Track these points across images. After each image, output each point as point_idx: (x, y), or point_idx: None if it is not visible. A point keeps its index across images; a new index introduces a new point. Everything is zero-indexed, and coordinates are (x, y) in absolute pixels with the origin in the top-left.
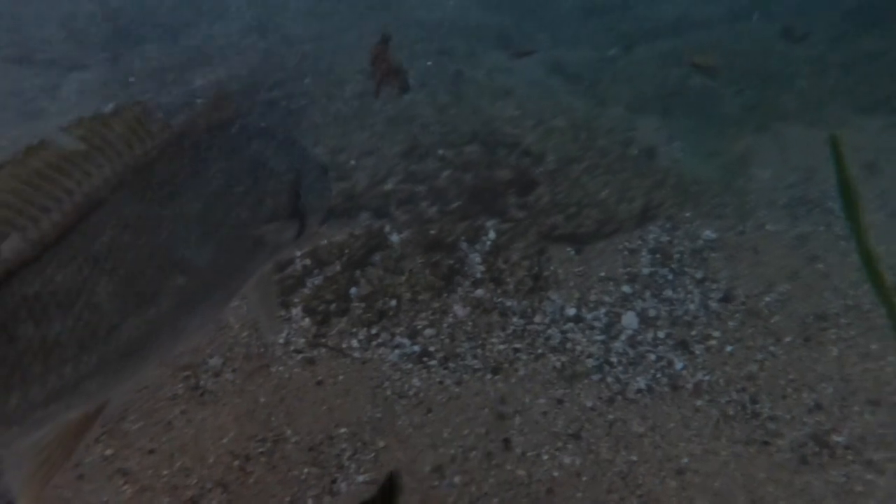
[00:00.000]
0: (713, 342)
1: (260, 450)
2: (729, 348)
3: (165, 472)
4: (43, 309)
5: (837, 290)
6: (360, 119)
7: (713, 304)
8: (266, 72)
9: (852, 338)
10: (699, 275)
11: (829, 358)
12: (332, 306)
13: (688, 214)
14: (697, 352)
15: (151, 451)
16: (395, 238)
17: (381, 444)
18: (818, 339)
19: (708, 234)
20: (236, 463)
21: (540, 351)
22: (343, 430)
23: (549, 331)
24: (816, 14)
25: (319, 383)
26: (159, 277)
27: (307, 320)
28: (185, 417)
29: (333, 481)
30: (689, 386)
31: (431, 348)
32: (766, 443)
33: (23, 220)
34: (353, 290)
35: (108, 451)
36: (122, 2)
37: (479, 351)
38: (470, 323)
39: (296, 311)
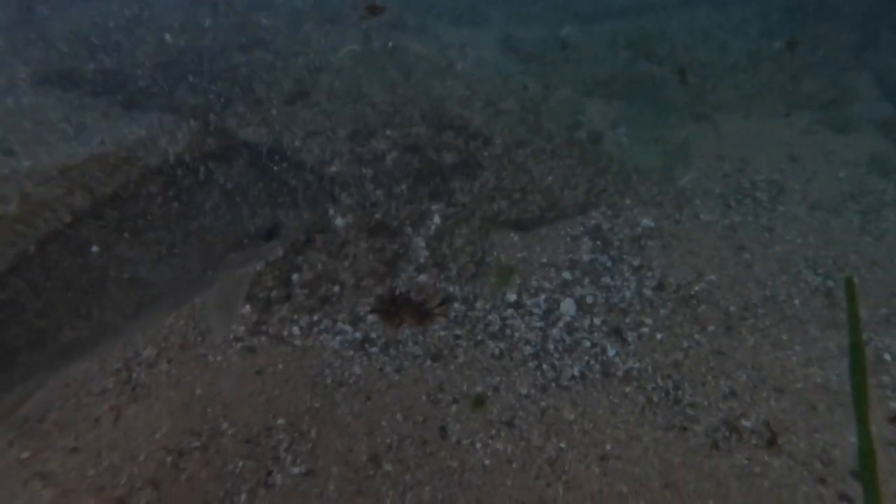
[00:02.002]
0: (645, 329)
1: (195, 444)
2: (659, 336)
3: (91, 472)
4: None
5: (759, 280)
6: (307, 96)
7: (647, 292)
8: (211, 40)
9: (767, 328)
10: (636, 262)
11: (746, 347)
12: (274, 293)
13: (628, 202)
14: (630, 339)
15: (75, 450)
16: (339, 222)
17: (319, 433)
18: (738, 328)
19: (646, 222)
20: (169, 459)
21: (480, 338)
22: (281, 420)
23: (490, 317)
24: (752, 5)
25: (259, 373)
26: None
27: (248, 307)
28: (115, 413)
29: (269, 474)
30: (620, 373)
31: (373, 335)
32: (684, 428)
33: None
34: (295, 277)
35: (25, 454)
36: None
37: (420, 337)
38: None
39: None
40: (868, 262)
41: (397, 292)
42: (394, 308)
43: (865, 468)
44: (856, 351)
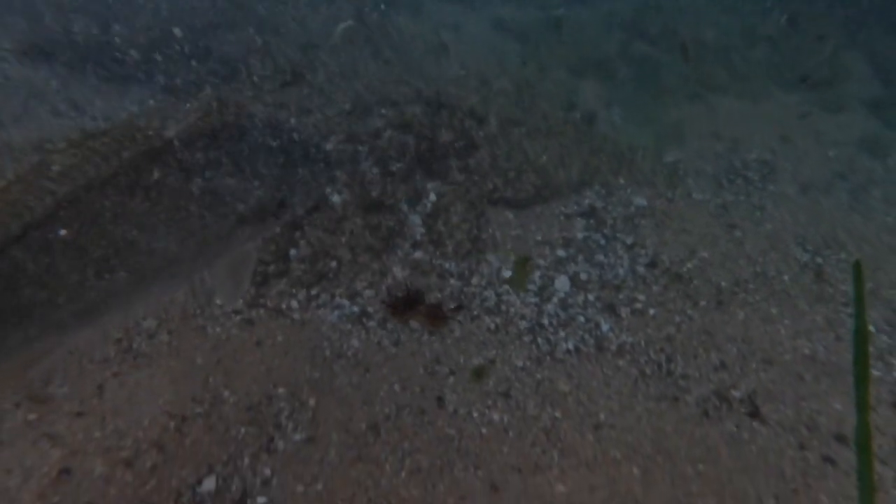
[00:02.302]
0: (638, 305)
1: (197, 410)
2: (652, 311)
3: (97, 435)
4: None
5: (750, 257)
6: (301, 74)
7: (640, 269)
8: (201, 18)
9: (757, 302)
10: (629, 240)
11: (736, 321)
12: (272, 267)
13: (622, 181)
14: (623, 314)
15: (80, 414)
16: (335, 199)
17: (319, 403)
18: (729, 303)
19: (639, 201)
20: (172, 424)
21: (476, 313)
22: (281, 389)
23: (486, 293)
24: None
25: (258, 344)
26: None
27: None
28: (118, 380)
29: (271, 440)
30: (614, 347)
31: (370, 309)
32: (675, 399)
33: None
34: (292, 252)
35: (32, 416)
36: None
37: None
38: (409, 284)
39: None
40: (856, 239)
41: (412, 289)
42: (405, 305)
43: (862, 455)
44: (860, 336)
